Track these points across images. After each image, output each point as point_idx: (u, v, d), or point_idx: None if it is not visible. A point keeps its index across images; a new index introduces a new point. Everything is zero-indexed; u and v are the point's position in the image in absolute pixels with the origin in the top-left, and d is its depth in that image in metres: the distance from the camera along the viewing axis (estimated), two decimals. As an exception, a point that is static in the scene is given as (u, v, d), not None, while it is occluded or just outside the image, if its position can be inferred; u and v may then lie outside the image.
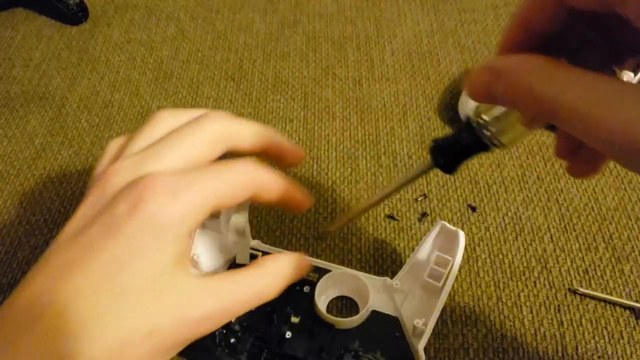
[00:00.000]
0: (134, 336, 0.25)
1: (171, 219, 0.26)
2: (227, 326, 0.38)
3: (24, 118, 0.58)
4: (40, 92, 0.60)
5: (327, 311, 0.41)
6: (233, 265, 0.43)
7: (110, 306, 0.25)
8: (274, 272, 0.31)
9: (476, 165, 0.51)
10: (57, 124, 0.57)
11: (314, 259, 0.43)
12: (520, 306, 0.42)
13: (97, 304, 0.24)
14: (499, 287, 0.43)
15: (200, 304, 0.27)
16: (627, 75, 0.55)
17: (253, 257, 0.43)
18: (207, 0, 0.71)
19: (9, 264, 0.46)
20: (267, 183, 0.29)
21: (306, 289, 0.41)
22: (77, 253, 0.26)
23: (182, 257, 0.27)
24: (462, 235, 0.41)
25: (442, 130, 0.54)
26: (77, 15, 0.68)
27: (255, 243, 0.44)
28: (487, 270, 0.44)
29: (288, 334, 0.39)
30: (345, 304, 0.42)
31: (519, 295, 0.43)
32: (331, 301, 0.42)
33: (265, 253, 0.44)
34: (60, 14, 0.68)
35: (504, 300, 0.42)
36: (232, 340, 0.38)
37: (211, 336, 0.37)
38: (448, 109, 0.56)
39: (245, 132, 0.30)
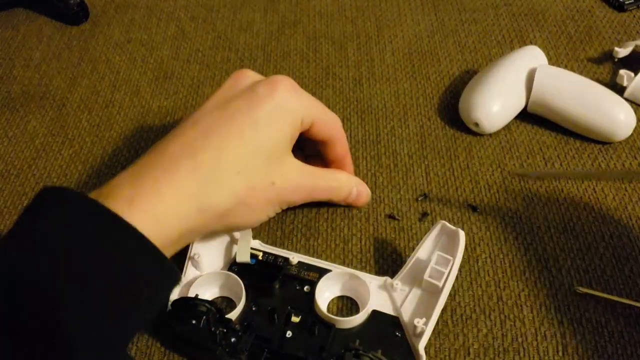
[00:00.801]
0: (260, 184, 0.36)
1: (293, 108, 0.37)
2: (228, 325, 0.37)
3: (24, 118, 0.58)
4: (41, 92, 0.60)
5: (327, 311, 0.41)
6: (233, 264, 0.43)
7: (245, 159, 0.35)
8: (347, 181, 0.44)
9: (476, 165, 0.51)
10: (58, 124, 0.57)
11: (314, 259, 0.43)
12: (521, 306, 0.42)
13: (236, 154, 0.35)
14: (500, 287, 0.43)
15: (300, 176, 0.38)
16: (627, 75, 0.55)
17: (253, 257, 0.43)
18: (208, 0, 0.71)
19: (9, 263, 0.46)
20: (341, 136, 0.42)
21: (306, 288, 0.42)
22: (222, 116, 0.35)
23: (293, 139, 0.37)
24: (462, 235, 0.41)
25: (442, 130, 0.54)
26: (77, 15, 0.68)
27: (257, 243, 0.44)
28: (488, 270, 0.44)
29: (289, 334, 0.38)
30: (345, 304, 0.42)
31: (519, 295, 0.43)
32: (331, 301, 0.42)
33: (265, 253, 0.44)
34: (60, 14, 0.68)
35: (504, 299, 0.42)
36: (233, 339, 0.37)
37: (211, 336, 0.36)
38: (449, 109, 0.56)
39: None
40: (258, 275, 0.42)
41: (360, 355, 0.34)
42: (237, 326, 0.38)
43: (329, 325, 0.39)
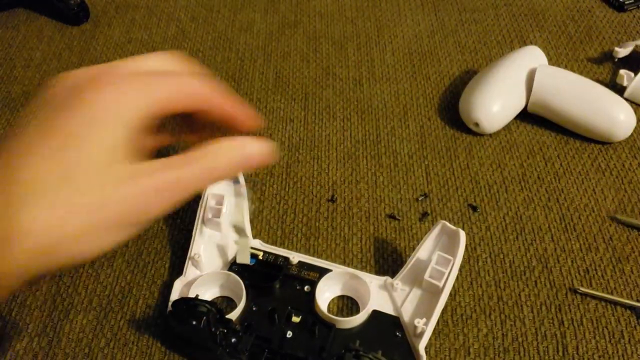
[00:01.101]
0: (73, 211, 0.26)
1: (120, 105, 0.28)
2: (228, 326, 0.38)
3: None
4: (41, 92, 0.60)
5: (328, 310, 0.41)
6: (234, 265, 0.43)
7: (50, 184, 0.26)
8: (226, 152, 0.33)
9: (477, 165, 0.51)
10: (58, 124, 0.57)
11: (314, 258, 0.43)
12: (521, 306, 0.42)
13: (40, 181, 0.26)
14: (500, 287, 0.43)
15: (148, 179, 0.28)
16: (627, 75, 0.55)
17: (253, 257, 0.43)
18: (208, 0, 0.71)
19: (10, 263, 0.46)
20: (212, 98, 0.33)
21: (307, 288, 0.42)
22: (34, 133, 0.27)
23: (129, 139, 0.28)
24: (462, 235, 0.41)
25: (442, 130, 0.55)
26: (78, 16, 0.68)
27: (257, 243, 0.44)
28: (488, 270, 0.44)
29: (289, 334, 0.38)
30: (345, 304, 0.42)
31: (519, 295, 0.43)
32: (332, 300, 0.42)
33: (266, 253, 0.44)
34: (61, 14, 0.68)
35: (504, 299, 0.42)
36: (233, 340, 0.37)
37: (212, 336, 0.37)
38: (449, 109, 0.56)
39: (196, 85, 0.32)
40: (258, 275, 0.41)
41: (360, 356, 0.34)
42: (237, 326, 0.38)
43: (329, 326, 0.39)
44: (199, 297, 0.39)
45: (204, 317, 0.36)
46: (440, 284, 0.39)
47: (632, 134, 0.52)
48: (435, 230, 0.42)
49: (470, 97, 0.53)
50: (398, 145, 0.53)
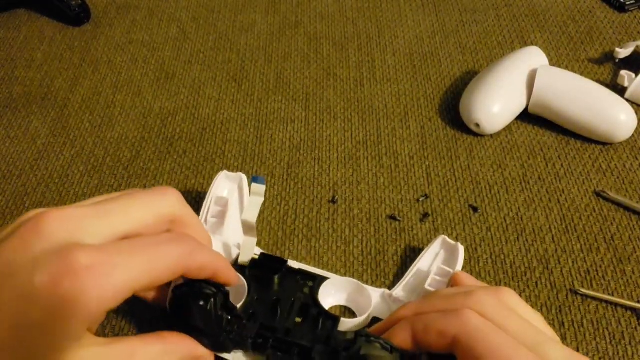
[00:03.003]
0: None
1: (86, 301, 0.25)
2: (233, 312, 0.35)
3: (26, 119, 0.58)
4: (43, 93, 0.61)
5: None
6: (235, 266, 0.43)
7: None
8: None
9: (477, 166, 0.51)
10: (60, 125, 0.57)
11: (312, 268, 0.43)
12: (522, 307, 0.42)
13: None
14: (501, 288, 0.43)
15: None
16: (628, 76, 0.55)
17: (252, 259, 0.43)
18: (209, 1, 0.71)
19: (11, 264, 0.46)
20: (203, 263, 0.31)
21: (309, 283, 0.41)
22: None
23: (84, 336, 0.27)
24: (461, 250, 0.41)
25: (443, 130, 0.55)
26: (79, 16, 0.68)
27: (256, 250, 0.44)
28: (489, 271, 0.44)
29: (293, 325, 0.38)
30: (343, 313, 0.42)
31: (520, 295, 0.43)
32: (330, 310, 0.42)
33: (265, 254, 0.44)
34: (62, 15, 0.69)
35: (505, 300, 0.42)
36: (237, 327, 0.36)
37: (217, 320, 0.35)
38: (449, 109, 0.56)
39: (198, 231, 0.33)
40: (261, 267, 0.41)
41: (372, 341, 0.32)
42: (242, 314, 0.37)
43: (333, 318, 0.38)
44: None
45: (211, 299, 0.34)
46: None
47: (633, 135, 0.52)
48: (435, 245, 0.42)
49: (471, 97, 0.53)
50: (399, 146, 0.53)
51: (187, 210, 0.32)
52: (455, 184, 0.50)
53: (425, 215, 0.48)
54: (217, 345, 0.35)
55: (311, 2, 0.70)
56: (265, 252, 0.44)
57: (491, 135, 0.54)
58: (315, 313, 0.38)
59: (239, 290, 0.41)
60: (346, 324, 0.39)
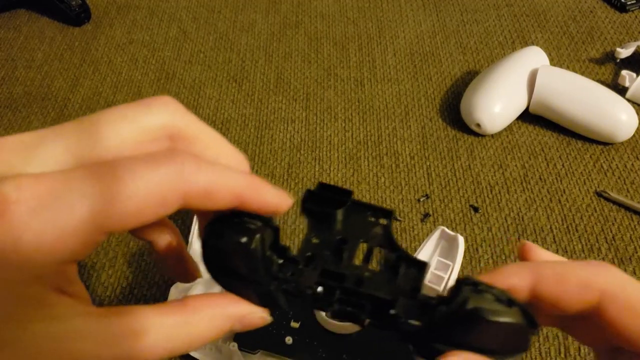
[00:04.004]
0: None
1: (21, 248, 0.18)
2: (286, 254, 0.27)
3: (26, 119, 0.58)
4: (43, 93, 0.60)
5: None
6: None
7: None
8: (207, 318, 0.23)
9: (478, 166, 0.51)
10: (60, 125, 0.57)
11: None
12: (523, 307, 0.42)
13: None
14: (502, 288, 0.43)
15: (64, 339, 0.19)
16: (629, 76, 0.55)
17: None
18: (209, 1, 0.71)
19: (11, 264, 0.46)
20: (211, 185, 0.21)
21: (383, 221, 0.30)
22: None
23: (57, 301, 0.19)
24: (461, 240, 0.41)
25: (444, 130, 0.54)
26: (79, 16, 0.68)
27: None
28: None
29: (365, 272, 0.27)
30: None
31: (521, 296, 0.42)
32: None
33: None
34: (62, 15, 0.69)
35: (506, 301, 0.42)
36: (292, 273, 0.26)
37: (265, 265, 0.26)
38: (450, 109, 0.56)
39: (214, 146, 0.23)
40: (319, 199, 0.29)
41: (481, 290, 0.22)
42: (297, 256, 0.27)
43: (419, 264, 0.27)
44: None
45: (256, 235, 0.24)
46: (440, 289, 0.39)
47: (634, 135, 0.52)
48: (434, 236, 0.42)
49: (472, 97, 0.53)
50: (399, 146, 0.53)
51: (191, 120, 0.23)
52: (456, 184, 0.50)
53: (426, 215, 0.48)
54: (266, 298, 0.26)
55: (311, 2, 0.70)
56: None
57: (492, 135, 0.54)
58: (393, 257, 0.27)
59: None
60: (345, 328, 0.39)
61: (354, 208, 0.29)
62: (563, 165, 0.51)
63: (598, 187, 0.49)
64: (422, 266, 0.26)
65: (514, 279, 0.22)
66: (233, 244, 0.24)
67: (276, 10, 0.70)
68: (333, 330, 0.39)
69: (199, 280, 0.42)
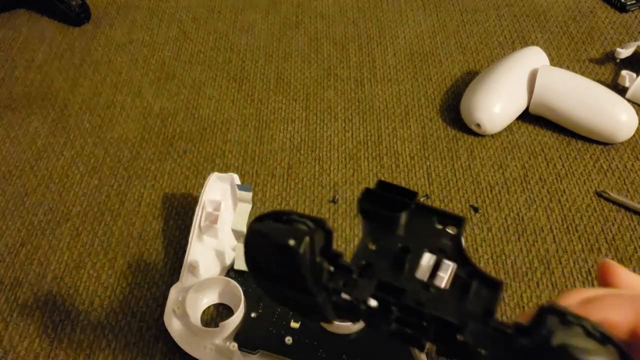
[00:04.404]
0: None
1: None
2: (338, 261, 0.23)
3: (26, 119, 0.58)
4: (43, 93, 0.60)
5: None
6: (230, 271, 0.43)
7: None
8: None
9: (478, 166, 0.51)
10: (60, 125, 0.57)
11: None
12: (523, 307, 0.42)
13: None
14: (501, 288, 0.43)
15: None
16: (629, 76, 0.55)
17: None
18: (209, 1, 0.71)
19: (11, 264, 0.46)
20: None
21: (452, 229, 0.27)
22: None
23: None
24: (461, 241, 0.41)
25: (444, 130, 0.54)
26: (79, 17, 0.68)
27: None
28: (490, 271, 0.44)
29: (430, 288, 0.23)
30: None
31: (521, 296, 0.42)
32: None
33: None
34: (62, 15, 0.68)
35: (506, 301, 0.42)
36: (344, 284, 0.23)
37: (314, 272, 0.22)
38: (450, 109, 0.56)
39: None
40: (379, 200, 0.25)
41: (570, 322, 0.18)
42: (352, 266, 0.24)
43: (494, 284, 0.23)
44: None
45: (305, 238, 0.21)
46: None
47: (634, 135, 0.52)
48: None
49: (472, 97, 0.53)
50: (399, 146, 0.53)
51: None
52: (456, 184, 0.50)
53: (426, 215, 0.48)
54: (313, 310, 0.24)
55: (311, 2, 0.70)
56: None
57: (492, 136, 0.54)
58: (462, 274, 0.23)
59: (235, 301, 0.41)
60: (346, 328, 0.39)
61: (418, 212, 0.25)
62: (563, 166, 0.51)
63: (598, 187, 0.49)
64: (498, 286, 0.23)
65: (613, 313, 0.19)
66: (279, 246, 0.21)
67: (276, 10, 0.70)
68: (333, 330, 0.39)
69: (198, 280, 0.42)
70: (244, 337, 0.39)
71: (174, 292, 0.41)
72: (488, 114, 0.52)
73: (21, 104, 0.59)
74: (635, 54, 0.59)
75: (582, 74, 0.58)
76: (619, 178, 0.50)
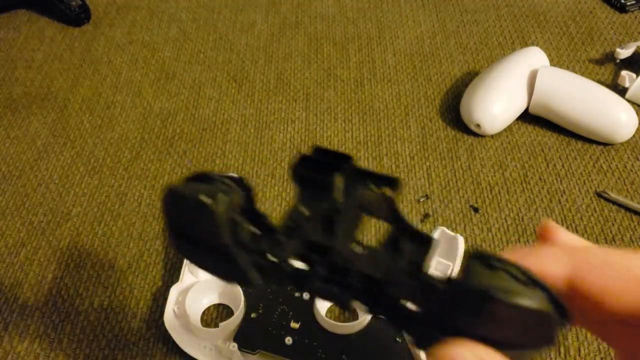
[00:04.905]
0: None
1: None
2: (262, 221, 0.22)
3: (26, 119, 0.58)
4: (43, 94, 0.60)
5: (326, 316, 0.41)
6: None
7: None
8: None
9: (478, 167, 0.51)
10: (60, 125, 0.57)
11: None
12: (523, 307, 0.42)
13: None
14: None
15: None
16: (629, 77, 0.55)
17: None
18: (209, 1, 0.71)
19: (11, 264, 0.46)
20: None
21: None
22: None
23: None
24: (461, 241, 0.41)
25: (444, 131, 0.54)
26: (79, 17, 0.68)
27: None
28: (490, 272, 0.44)
29: (358, 249, 0.22)
30: (342, 311, 0.42)
31: (521, 297, 0.42)
32: (330, 308, 0.42)
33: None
34: (62, 16, 0.69)
35: (506, 301, 0.42)
36: (270, 245, 0.22)
37: (232, 232, 0.21)
38: (450, 110, 0.56)
39: None
40: (313, 164, 0.24)
41: (495, 267, 0.17)
42: (275, 225, 0.22)
43: (425, 239, 0.21)
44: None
45: (222, 195, 0.20)
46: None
47: (634, 135, 0.52)
48: (434, 236, 0.42)
49: (472, 98, 0.53)
50: (399, 147, 0.53)
51: None
52: (456, 184, 0.50)
53: (426, 215, 0.48)
54: (237, 274, 0.22)
55: (311, 3, 0.70)
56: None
57: (492, 136, 0.54)
58: (394, 232, 0.22)
59: (235, 301, 0.41)
60: (346, 328, 0.39)
61: (353, 176, 0.23)
62: (563, 166, 0.51)
63: (598, 187, 0.49)
64: (428, 241, 0.21)
65: (549, 263, 0.18)
66: (194, 204, 0.20)
67: (276, 10, 0.70)
68: (333, 330, 0.39)
69: (198, 280, 0.42)
70: (244, 338, 0.39)
71: (174, 292, 0.41)
72: (488, 114, 0.52)
73: (21, 104, 0.59)
74: (635, 54, 0.59)
75: (582, 74, 0.58)
76: (619, 178, 0.50)
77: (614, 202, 0.48)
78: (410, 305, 0.19)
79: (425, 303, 0.18)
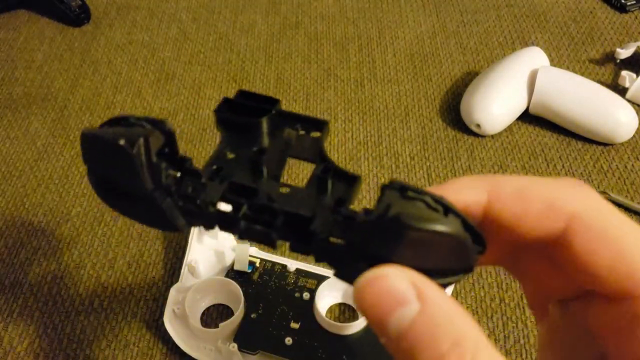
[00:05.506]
0: None
1: None
2: (184, 165, 0.23)
3: (26, 119, 0.58)
4: (43, 94, 0.60)
5: (327, 317, 0.41)
6: (230, 272, 0.43)
7: None
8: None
9: (478, 167, 0.51)
10: (60, 126, 0.57)
11: (312, 266, 0.43)
12: (523, 307, 0.42)
13: None
14: (502, 288, 0.43)
15: None
16: (629, 77, 0.55)
17: (251, 265, 0.43)
18: (209, 1, 0.71)
19: (11, 264, 0.46)
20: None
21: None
22: None
23: None
24: None
25: (444, 131, 0.54)
26: (79, 17, 0.68)
27: (254, 250, 0.44)
28: (490, 271, 0.44)
29: (284, 189, 0.22)
30: (342, 311, 0.42)
31: (521, 297, 0.42)
32: (331, 307, 0.42)
33: (263, 260, 0.43)
34: (62, 16, 0.68)
35: (506, 301, 0.42)
36: (192, 188, 0.22)
37: (153, 175, 0.21)
38: (450, 110, 0.56)
39: None
40: (239, 108, 0.23)
41: (410, 197, 0.17)
42: (200, 170, 0.23)
43: (350, 177, 0.22)
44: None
45: (140, 138, 0.20)
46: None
47: (634, 136, 0.52)
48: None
49: (472, 98, 0.53)
50: (399, 147, 0.53)
51: None
52: (456, 184, 0.50)
53: (426, 215, 0.48)
54: (159, 217, 0.21)
55: (311, 3, 0.70)
56: (264, 256, 0.43)
57: (492, 136, 0.54)
58: (320, 172, 0.22)
59: (235, 301, 0.41)
60: (346, 329, 0.39)
61: (280, 119, 0.23)
62: (563, 166, 0.51)
63: (598, 187, 0.49)
64: (354, 179, 0.21)
65: (465, 192, 0.18)
66: (110, 148, 0.20)
67: (276, 11, 0.70)
68: (333, 331, 0.39)
69: (198, 280, 0.42)
70: (244, 338, 0.39)
71: (174, 292, 0.41)
72: (488, 115, 0.52)
73: (21, 104, 0.59)
74: (635, 54, 0.59)
75: (582, 74, 0.58)
76: (619, 179, 0.50)
77: (614, 203, 0.48)
78: (333, 240, 0.19)
79: (347, 236, 0.19)
